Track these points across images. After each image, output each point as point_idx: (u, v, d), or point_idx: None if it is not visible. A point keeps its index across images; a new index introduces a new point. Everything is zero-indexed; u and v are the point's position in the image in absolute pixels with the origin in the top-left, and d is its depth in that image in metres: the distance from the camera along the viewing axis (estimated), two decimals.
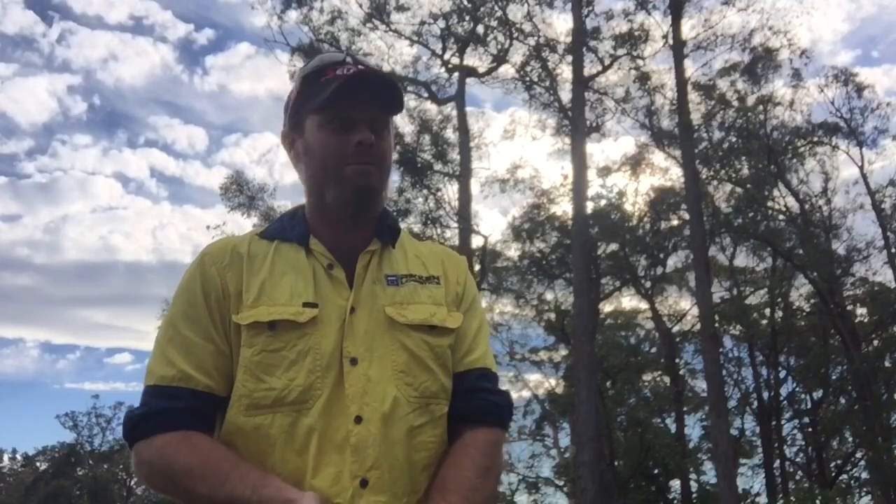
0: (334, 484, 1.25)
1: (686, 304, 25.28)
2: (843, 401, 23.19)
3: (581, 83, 18.48)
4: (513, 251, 24.04)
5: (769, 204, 21.17)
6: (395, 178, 20.45)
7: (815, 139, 21.73)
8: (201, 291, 1.36)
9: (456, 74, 20.94)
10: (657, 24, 19.68)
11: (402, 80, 20.70)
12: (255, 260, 1.39)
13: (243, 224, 20.47)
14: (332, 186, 1.39)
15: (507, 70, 21.05)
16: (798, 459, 24.96)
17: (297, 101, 1.45)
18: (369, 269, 1.41)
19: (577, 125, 17.96)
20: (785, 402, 24.48)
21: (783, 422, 24.69)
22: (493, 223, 57.91)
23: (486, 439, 1.40)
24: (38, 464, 46.78)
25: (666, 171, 22.60)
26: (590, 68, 19.54)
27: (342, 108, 1.38)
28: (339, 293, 1.37)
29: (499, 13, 20.28)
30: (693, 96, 20.01)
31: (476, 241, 20.04)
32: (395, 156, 1.52)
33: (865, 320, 22.16)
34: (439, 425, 1.37)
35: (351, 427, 1.27)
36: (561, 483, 26.70)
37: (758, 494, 25.05)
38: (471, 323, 1.48)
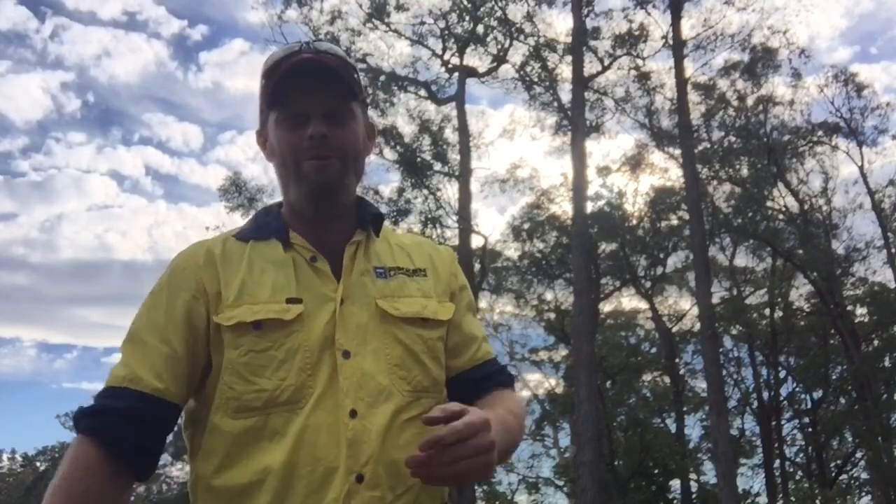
0: (330, 480, 1.22)
1: (686, 304, 25.32)
2: (843, 401, 23.18)
3: (581, 83, 18.50)
4: (512, 251, 24.07)
5: (769, 204, 21.13)
6: (395, 178, 20.48)
7: (815, 139, 21.73)
8: (167, 295, 1.34)
9: (456, 74, 20.95)
10: (656, 23, 19.73)
11: (401, 80, 20.73)
12: (230, 259, 1.37)
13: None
14: (294, 184, 1.38)
15: (507, 70, 21.10)
16: (798, 459, 24.97)
17: (260, 99, 1.44)
18: (356, 260, 1.39)
19: (576, 125, 17.98)
20: (785, 402, 24.48)
21: (783, 422, 24.71)
22: (491, 222, 57.91)
23: (518, 399, 1.48)
24: (37, 464, 46.74)
25: (666, 171, 22.65)
26: (589, 68, 19.56)
27: (293, 102, 1.36)
28: (326, 285, 1.34)
29: (499, 13, 20.29)
30: (693, 96, 20.05)
31: (476, 241, 20.08)
32: (376, 148, 1.50)
33: (865, 320, 22.13)
34: None
35: (346, 421, 1.25)
36: (561, 483, 26.74)
37: (758, 494, 25.09)
38: (474, 320, 1.51)
